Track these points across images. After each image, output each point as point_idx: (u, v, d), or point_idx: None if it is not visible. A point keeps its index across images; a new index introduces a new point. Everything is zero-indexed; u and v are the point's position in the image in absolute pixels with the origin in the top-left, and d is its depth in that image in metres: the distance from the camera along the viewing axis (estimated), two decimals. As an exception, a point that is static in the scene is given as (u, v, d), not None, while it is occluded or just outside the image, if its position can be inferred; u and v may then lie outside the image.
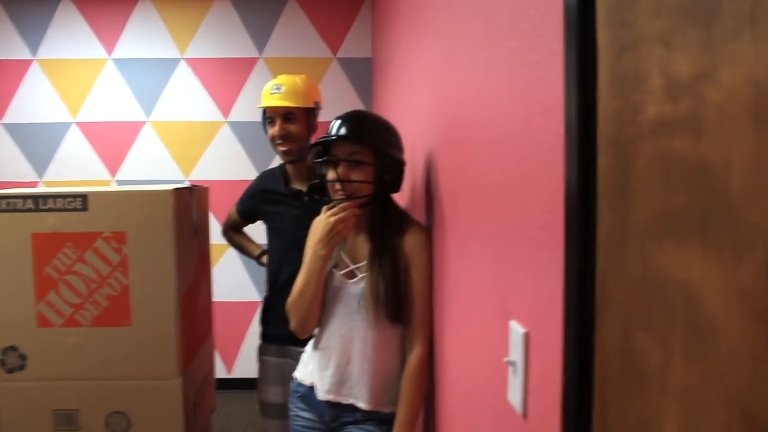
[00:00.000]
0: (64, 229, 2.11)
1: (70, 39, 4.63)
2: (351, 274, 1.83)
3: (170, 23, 4.65)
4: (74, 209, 2.10)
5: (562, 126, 0.78)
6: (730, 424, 0.48)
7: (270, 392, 2.52)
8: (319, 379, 1.88)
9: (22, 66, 4.63)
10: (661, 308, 0.57)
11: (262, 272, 2.72)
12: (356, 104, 4.66)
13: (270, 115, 2.47)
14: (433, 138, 1.84)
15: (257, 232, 2.78)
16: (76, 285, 2.12)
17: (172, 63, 4.67)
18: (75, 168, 4.69)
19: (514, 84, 1.01)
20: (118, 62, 4.66)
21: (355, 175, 1.74)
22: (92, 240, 2.11)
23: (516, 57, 1.00)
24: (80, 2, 4.61)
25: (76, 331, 2.13)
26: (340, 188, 1.74)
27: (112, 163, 4.70)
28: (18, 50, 4.62)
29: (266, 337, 2.56)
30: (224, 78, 4.68)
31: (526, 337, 0.95)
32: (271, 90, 2.48)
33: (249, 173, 4.55)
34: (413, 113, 2.32)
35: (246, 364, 4.73)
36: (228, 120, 4.70)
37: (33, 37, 4.62)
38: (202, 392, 2.52)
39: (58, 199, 2.10)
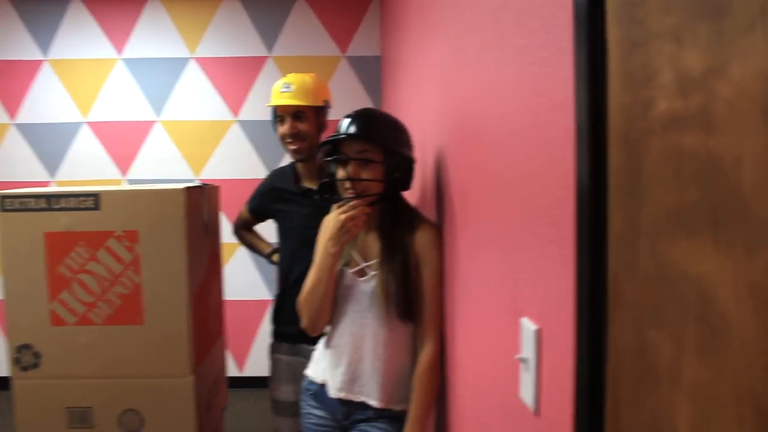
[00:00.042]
0: (77, 228, 2.12)
1: (80, 39, 4.65)
2: (362, 273, 1.83)
3: (179, 23, 4.66)
4: (86, 208, 2.11)
5: (572, 122, 0.78)
6: (744, 420, 0.48)
7: (282, 390, 2.53)
8: (330, 377, 1.88)
9: (34, 66, 4.66)
10: (673, 304, 0.57)
11: (273, 271, 2.73)
12: (365, 102, 4.66)
13: (280, 113, 2.48)
14: (442, 136, 1.84)
15: (268, 230, 2.79)
16: (88, 284, 2.14)
17: (182, 62, 4.68)
18: (86, 167, 4.72)
19: (524, 81, 1.01)
20: (128, 62, 4.68)
21: (365, 174, 1.74)
22: (104, 239, 2.12)
23: (525, 54, 1.00)
24: (90, 2, 4.63)
25: (89, 330, 2.15)
26: (349, 186, 1.74)
27: (123, 162, 4.73)
28: (29, 51, 4.65)
29: (278, 335, 2.56)
30: (234, 77, 4.70)
31: (538, 334, 0.95)
32: (281, 89, 2.48)
33: (259, 172, 4.56)
34: (423, 111, 2.32)
35: (257, 362, 4.75)
36: (238, 119, 4.71)
37: (44, 37, 4.64)
38: (214, 390, 2.53)
39: (71, 199, 2.12)
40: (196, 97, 4.70)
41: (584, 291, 0.74)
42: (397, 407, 1.82)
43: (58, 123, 4.69)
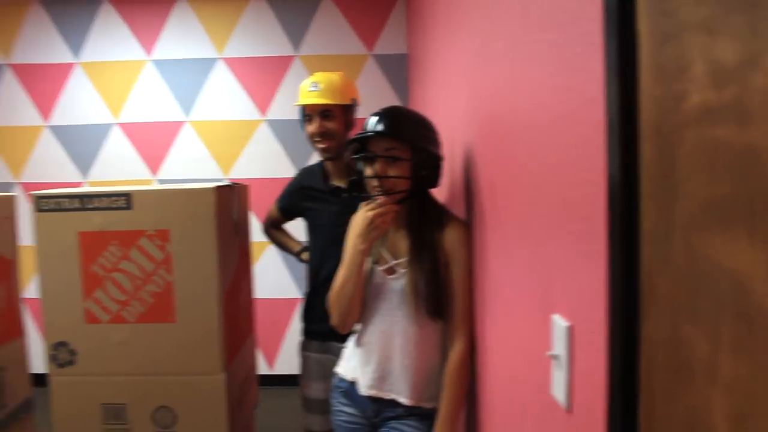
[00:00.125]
0: (110, 228, 2.15)
1: (110, 41, 4.72)
2: (391, 270, 1.84)
3: (207, 23, 4.71)
4: (119, 208, 2.14)
5: (602, 117, 0.77)
6: (781, 416, 0.47)
7: (312, 388, 2.54)
8: (361, 375, 1.89)
9: (66, 69, 4.74)
10: (708, 299, 0.56)
11: (303, 269, 2.74)
12: (393, 100, 4.66)
13: (308, 112, 2.49)
14: (470, 133, 1.83)
15: (297, 229, 2.81)
16: (121, 282, 2.17)
17: (210, 63, 4.73)
18: (117, 168, 4.79)
19: (553, 76, 1.00)
20: (158, 63, 4.73)
21: (392, 171, 1.74)
22: (137, 238, 2.15)
23: (554, 49, 0.99)
24: (120, 5, 4.70)
25: (123, 328, 2.18)
26: (377, 184, 1.74)
27: (153, 162, 4.79)
28: (61, 54, 4.73)
29: (308, 333, 2.58)
30: (261, 76, 4.73)
31: (570, 331, 0.95)
32: (309, 87, 2.49)
33: (287, 171, 4.59)
34: (451, 108, 2.31)
35: (287, 360, 4.78)
36: (266, 118, 4.74)
37: (75, 40, 4.72)
38: (245, 388, 2.55)
39: (104, 198, 2.15)
40: (225, 97, 4.74)
41: (617, 287, 0.74)
42: (427, 405, 1.82)
43: (90, 124, 4.76)
